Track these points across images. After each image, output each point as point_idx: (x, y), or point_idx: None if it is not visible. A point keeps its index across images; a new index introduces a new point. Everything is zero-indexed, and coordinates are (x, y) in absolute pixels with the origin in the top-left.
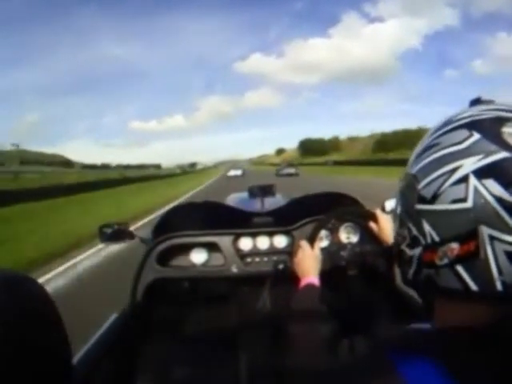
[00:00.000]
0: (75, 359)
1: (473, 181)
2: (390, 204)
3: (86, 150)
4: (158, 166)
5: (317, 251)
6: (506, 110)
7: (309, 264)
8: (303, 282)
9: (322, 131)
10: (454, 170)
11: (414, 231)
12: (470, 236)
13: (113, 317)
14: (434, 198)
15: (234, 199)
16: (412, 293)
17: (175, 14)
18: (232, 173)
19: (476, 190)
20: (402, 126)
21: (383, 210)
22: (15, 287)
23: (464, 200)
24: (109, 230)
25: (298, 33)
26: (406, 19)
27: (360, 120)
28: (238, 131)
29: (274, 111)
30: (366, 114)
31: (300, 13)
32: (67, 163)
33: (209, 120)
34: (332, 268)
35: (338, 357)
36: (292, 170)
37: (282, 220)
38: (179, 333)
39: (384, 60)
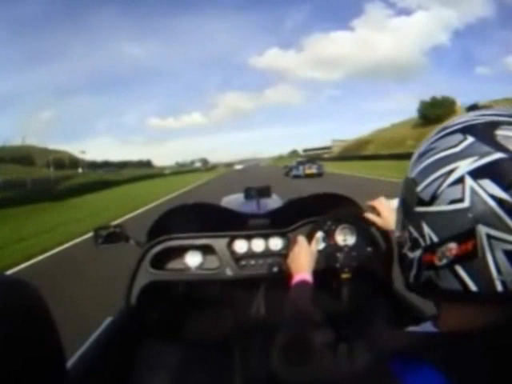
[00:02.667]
0: (70, 362)
1: (469, 181)
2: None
3: (106, 147)
4: (147, 164)
5: (313, 248)
6: (500, 115)
7: (304, 260)
8: (296, 279)
9: (347, 130)
10: (450, 172)
11: (415, 233)
12: (467, 235)
13: (107, 320)
14: (432, 200)
15: (230, 201)
16: (410, 295)
17: (192, 13)
18: (237, 167)
19: (472, 190)
20: None
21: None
22: (9, 291)
23: (461, 200)
24: (104, 233)
25: (319, 25)
26: (435, 10)
27: (384, 118)
28: (258, 129)
29: (295, 108)
30: (390, 112)
31: (320, 3)
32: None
33: (227, 117)
34: (326, 269)
35: (336, 362)
36: (313, 169)
37: (277, 222)
38: (174, 336)
39: (410, 55)
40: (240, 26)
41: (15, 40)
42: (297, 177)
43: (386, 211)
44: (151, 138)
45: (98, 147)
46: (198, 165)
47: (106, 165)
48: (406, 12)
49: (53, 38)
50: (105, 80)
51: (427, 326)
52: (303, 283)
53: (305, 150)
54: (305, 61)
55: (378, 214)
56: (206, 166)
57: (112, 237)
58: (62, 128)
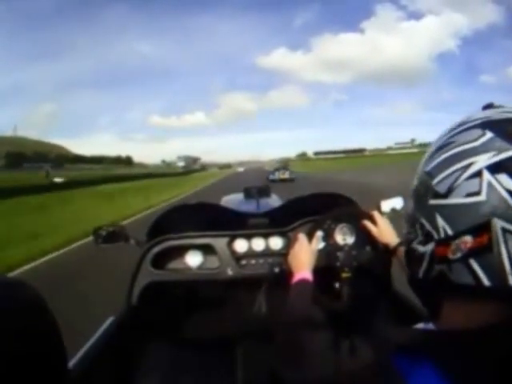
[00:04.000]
0: (72, 362)
1: (486, 175)
2: (386, 204)
3: (109, 143)
4: (126, 161)
5: (314, 246)
6: None
7: (304, 258)
8: (297, 277)
9: (349, 137)
10: (468, 166)
11: (427, 227)
12: (483, 229)
13: (109, 320)
14: (448, 193)
15: (230, 200)
16: (410, 294)
17: (201, 12)
18: (239, 169)
19: (489, 184)
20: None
21: (379, 210)
22: (10, 292)
23: (478, 193)
24: (103, 232)
25: (328, 26)
26: (445, 15)
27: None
28: (261, 130)
29: (299, 111)
30: (396, 119)
31: (329, 4)
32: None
33: (230, 118)
34: (326, 268)
35: (338, 360)
36: (285, 175)
37: (277, 221)
38: (175, 335)
39: (418, 60)
40: (249, 26)
41: (26, 33)
42: (273, 181)
43: (382, 223)
44: (154, 137)
45: (98, 143)
46: (180, 164)
47: (76, 160)
48: (416, 16)
49: (62, 32)
50: (111, 76)
51: (428, 325)
52: (304, 282)
53: (316, 153)
54: (312, 62)
55: (375, 223)
56: (192, 167)
57: (112, 236)
58: (66, 122)
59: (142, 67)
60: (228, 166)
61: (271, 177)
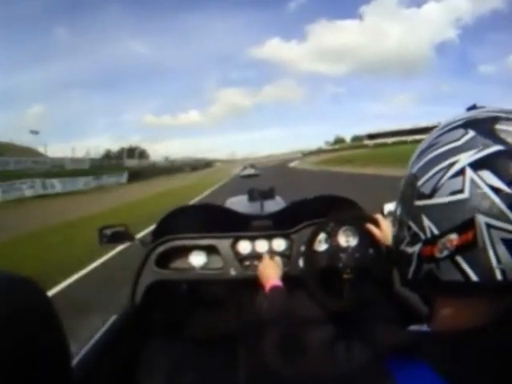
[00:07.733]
0: (75, 360)
1: (469, 173)
2: (389, 207)
3: (105, 145)
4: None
5: (277, 260)
6: (499, 112)
7: (270, 270)
8: (268, 286)
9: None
10: (451, 165)
11: (414, 228)
12: (467, 225)
13: (112, 318)
14: (432, 193)
15: (234, 202)
16: (411, 296)
17: (193, 10)
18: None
19: (472, 181)
20: None
21: (382, 213)
22: (14, 289)
23: (461, 191)
24: (108, 232)
25: (323, 12)
26: (448, 2)
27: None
28: (254, 128)
29: (294, 105)
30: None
31: None
32: None
33: (224, 114)
34: (328, 269)
35: (334, 360)
36: (252, 171)
37: (281, 223)
38: (178, 335)
39: (419, 50)
40: (241, 15)
41: (16, 35)
42: (244, 177)
43: (385, 226)
44: (149, 137)
45: (93, 146)
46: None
47: None
48: (417, 2)
49: (55, 33)
50: (105, 76)
51: (423, 326)
52: (276, 288)
53: (370, 136)
54: (307, 51)
55: (379, 226)
56: None
57: (117, 236)
58: (60, 125)
59: (135, 66)
60: (208, 164)
61: (241, 173)
